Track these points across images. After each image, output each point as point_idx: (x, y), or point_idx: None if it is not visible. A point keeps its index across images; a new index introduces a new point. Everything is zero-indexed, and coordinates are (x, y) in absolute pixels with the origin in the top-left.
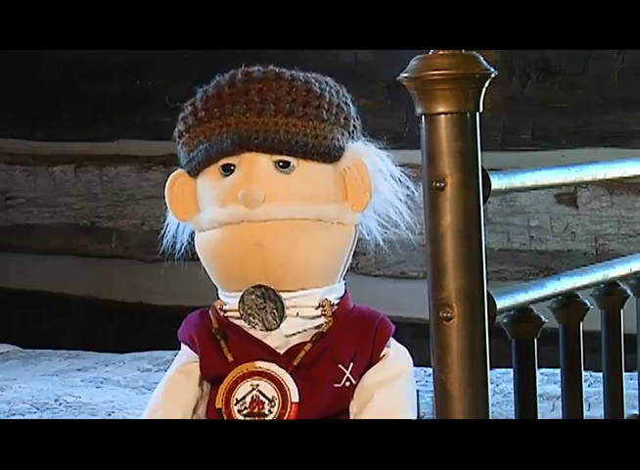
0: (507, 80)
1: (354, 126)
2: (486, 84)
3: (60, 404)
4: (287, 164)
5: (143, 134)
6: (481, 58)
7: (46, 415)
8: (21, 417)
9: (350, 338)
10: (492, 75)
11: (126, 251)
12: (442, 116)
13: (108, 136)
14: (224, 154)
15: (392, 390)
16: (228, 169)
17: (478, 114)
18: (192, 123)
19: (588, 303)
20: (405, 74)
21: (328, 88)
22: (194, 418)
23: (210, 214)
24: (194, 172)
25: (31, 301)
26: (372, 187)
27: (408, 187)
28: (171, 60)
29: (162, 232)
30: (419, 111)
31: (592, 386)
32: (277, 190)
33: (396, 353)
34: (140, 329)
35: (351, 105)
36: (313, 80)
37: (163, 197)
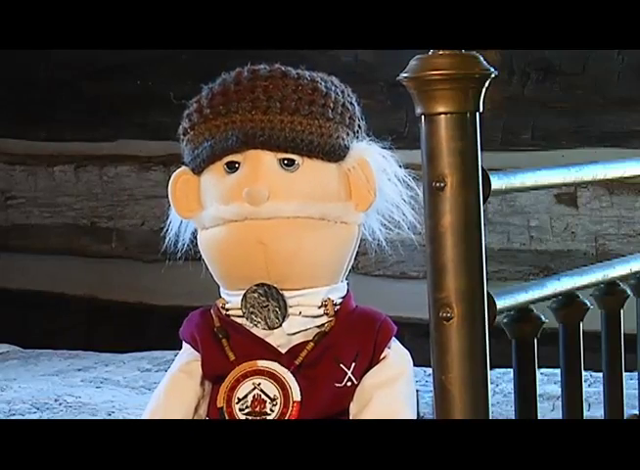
0: (507, 80)
1: (359, 126)
2: (486, 84)
3: (60, 404)
4: (291, 163)
5: (143, 134)
6: (481, 58)
7: (46, 415)
8: (21, 417)
9: (352, 338)
10: (492, 75)
11: (126, 251)
12: (442, 116)
13: (108, 136)
14: (229, 151)
15: (392, 392)
16: (233, 167)
17: (478, 114)
18: (197, 120)
19: (588, 303)
20: (405, 74)
21: (333, 88)
22: (195, 417)
23: (214, 212)
24: (198, 170)
25: (31, 301)
26: (376, 187)
27: (412, 188)
28: (171, 60)
29: (165, 231)
30: (419, 111)
31: (592, 386)
32: (281, 188)
33: (397, 355)
34: (140, 329)
35: (356, 105)
36: (319, 79)
37: (164, 197)
